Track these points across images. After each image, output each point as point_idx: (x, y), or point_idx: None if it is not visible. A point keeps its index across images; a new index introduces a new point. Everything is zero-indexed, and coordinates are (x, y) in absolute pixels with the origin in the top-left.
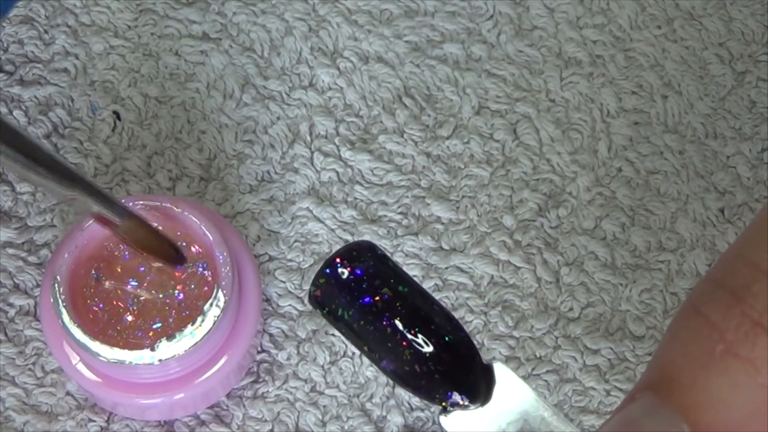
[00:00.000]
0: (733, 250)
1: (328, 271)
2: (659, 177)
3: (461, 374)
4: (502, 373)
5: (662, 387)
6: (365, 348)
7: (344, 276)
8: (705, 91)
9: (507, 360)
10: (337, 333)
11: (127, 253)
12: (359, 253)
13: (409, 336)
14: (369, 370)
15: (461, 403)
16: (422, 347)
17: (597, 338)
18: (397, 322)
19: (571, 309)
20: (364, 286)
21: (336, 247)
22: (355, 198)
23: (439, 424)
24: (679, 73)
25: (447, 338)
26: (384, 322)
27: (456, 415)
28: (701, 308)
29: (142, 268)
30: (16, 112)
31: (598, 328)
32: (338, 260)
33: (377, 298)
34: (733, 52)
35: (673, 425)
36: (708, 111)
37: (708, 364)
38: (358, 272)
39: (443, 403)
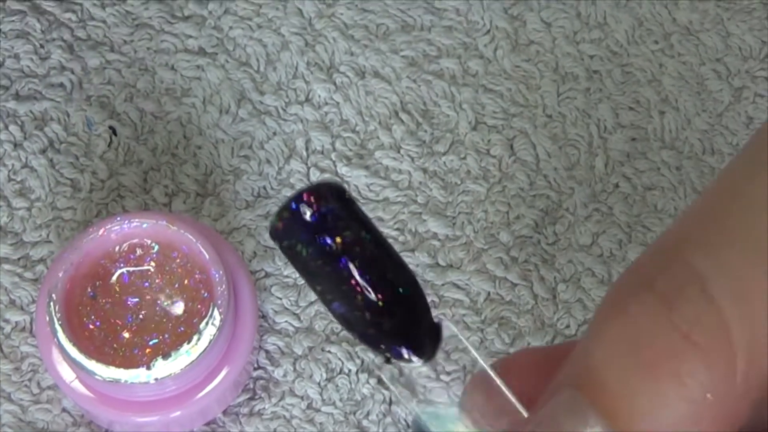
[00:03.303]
0: (667, 243)
1: (293, 206)
2: (656, 193)
3: (410, 328)
4: (450, 333)
5: (587, 387)
6: (318, 288)
7: (308, 213)
8: (702, 106)
9: None
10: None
11: (125, 272)
12: (327, 193)
13: (363, 282)
14: (365, 387)
15: (405, 357)
16: (374, 295)
17: None
18: (353, 267)
19: (567, 326)
20: (327, 226)
21: None
22: None
23: (379, 373)
24: (676, 88)
25: (401, 290)
26: (340, 265)
27: (397, 368)
28: (630, 308)
29: (147, 284)
30: (11, 127)
31: None
32: (305, 197)
33: (338, 239)
34: (731, 67)
35: (598, 428)
36: (705, 127)
37: (635, 373)
38: (323, 211)
39: (387, 354)
